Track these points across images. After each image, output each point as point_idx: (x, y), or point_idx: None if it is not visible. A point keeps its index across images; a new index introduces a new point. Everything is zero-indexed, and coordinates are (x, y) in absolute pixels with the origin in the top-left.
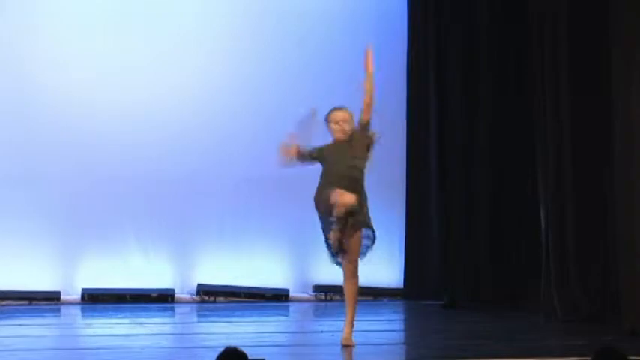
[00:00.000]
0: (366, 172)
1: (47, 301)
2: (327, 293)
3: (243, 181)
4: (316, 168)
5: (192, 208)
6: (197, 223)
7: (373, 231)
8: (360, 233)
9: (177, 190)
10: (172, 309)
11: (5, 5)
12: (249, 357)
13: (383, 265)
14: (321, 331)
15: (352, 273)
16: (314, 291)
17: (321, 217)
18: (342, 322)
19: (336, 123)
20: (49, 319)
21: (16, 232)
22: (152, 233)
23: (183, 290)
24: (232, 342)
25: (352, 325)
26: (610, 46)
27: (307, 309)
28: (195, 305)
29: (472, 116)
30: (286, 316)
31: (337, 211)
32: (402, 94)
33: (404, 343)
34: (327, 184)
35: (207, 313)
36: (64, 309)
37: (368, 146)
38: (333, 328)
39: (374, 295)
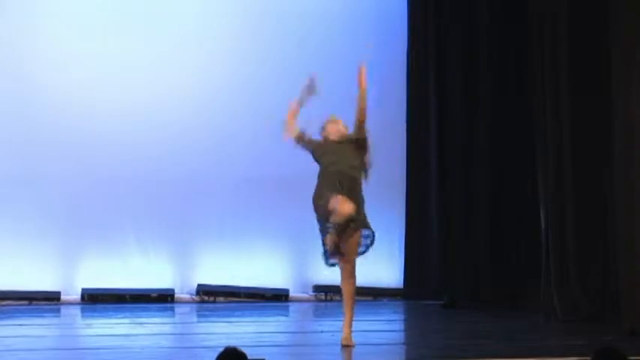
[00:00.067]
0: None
1: (47, 301)
2: (327, 293)
3: (243, 181)
4: (316, 168)
5: (192, 208)
6: (197, 223)
7: (373, 231)
8: (359, 234)
9: (177, 190)
10: (172, 309)
11: (5, 5)
12: (249, 357)
13: (383, 265)
14: (321, 331)
15: (350, 273)
16: (314, 291)
17: (319, 220)
18: (342, 323)
19: (331, 129)
20: (49, 320)
21: (16, 232)
22: (152, 233)
23: (183, 290)
24: (232, 342)
25: (351, 325)
26: (610, 46)
27: (307, 309)
28: (195, 305)
29: (472, 116)
30: (286, 316)
31: (336, 219)
32: (402, 94)
33: (404, 343)
34: (326, 183)
35: (207, 313)
36: (64, 309)
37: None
38: (333, 328)
39: (374, 295)
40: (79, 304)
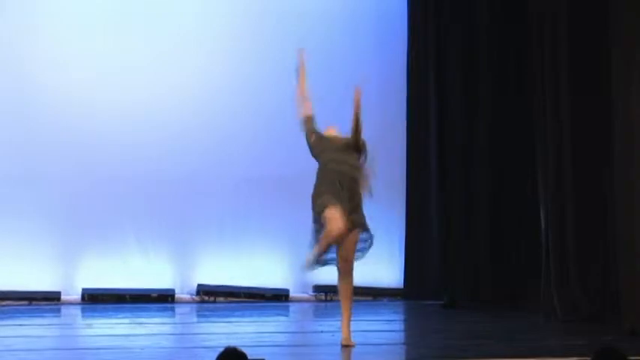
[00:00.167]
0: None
1: (47, 301)
2: (327, 293)
3: (243, 181)
4: (316, 167)
5: (192, 208)
6: (197, 223)
7: (371, 234)
8: (357, 232)
9: (177, 190)
10: (172, 309)
11: (5, 5)
12: (249, 357)
13: (383, 265)
14: (321, 331)
15: (348, 272)
16: (314, 291)
17: (314, 219)
18: (340, 323)
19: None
20: (49, 320)
21: (16, 232)
22: (152, 233)
23: (184, 290)
24: (232, 342)
25: (350, 325)
26: (610, 46)
27: (307, 309)
28: (195, 305)
29: (472, 116)
30: (286, 316)
31: (326, 234)
32: (402, 94)
33: (404, 343)
34: (326, 182)
35: (207, 313)
36: (64, 309)
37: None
38: (333, 328)
39: (374, 295)
40: (79, 304)
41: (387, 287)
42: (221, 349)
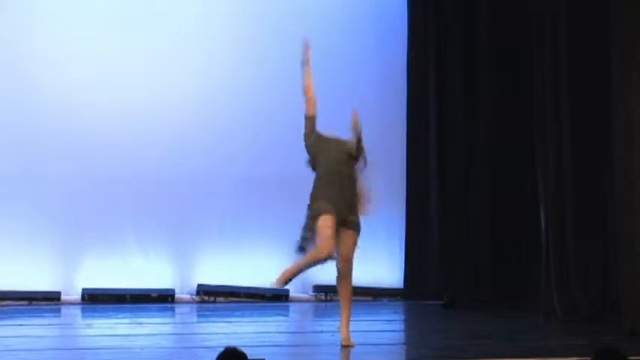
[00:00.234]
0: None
1: (47, 301)
2: (327, 293)
3: (243, 181)
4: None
5: (192, 208)
6: (197, 223)
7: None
8: (356, 235)
9: (178, 190)
10: (172, 309)
11: (5, 5)
12: (249, 357)
13: (383, 265)
14: (321, 332)
15: (347, 272)
16: (314, 291)
17: (307, 218)
18: (339, 323)
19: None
20: (49, 320)
21: (16, 232)
22: (152, 233)
23: (184, 290)
24: (232, 342)
25: (349, 325)
26: (610, 46)
27: (307, 309)
28: (195, 305)
29: (472, 116)
30: (286, 316)
31: (315, 253)
32: (402, 94)
33: (404, 343)
34: (327, 186)
35: (207, 313)
36: (64, 309)
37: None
38: (333, 328)
39: (374, 295)
40: (79, 304)
41: (387, 287)
42: (221, 349)
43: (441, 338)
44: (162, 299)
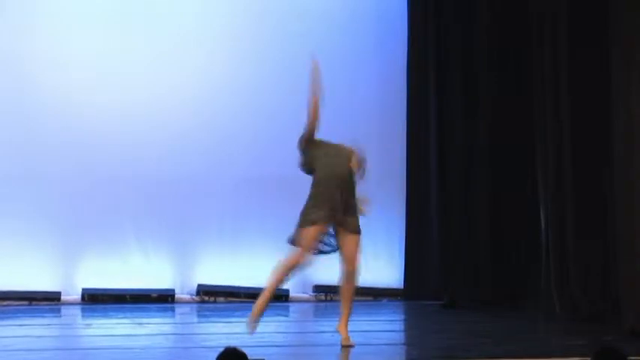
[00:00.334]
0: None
1: (47, 301)
2: (327, 293)
3: (243, 181)
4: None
5: (192, 209)
6: (197, 224)
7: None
8: (358, 238)
9: (178, 190)
10: (172, 309)
11: (5, 5)
12: (249, 357)
13: (383, 265)
14: (323, 332)
15: (352, 276)
16: (314, 291)
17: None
18: (337, 324)
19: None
20: (49, 320)
21: (16, 232)
22: (152, 233)
23: (184, 290)
24: (232, 342)
25: (348, 326)
26: (610, 46)
27: (307, 309)
28: (195, 305)
29: (472, 116)
30: (286, 316)
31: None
32: (402, 94)
33: (404, 343)
34: (322, 190)
35: (207, 313)
36: (64, 309)
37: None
38: (333, 328)
39: (374, 295)
40: (79, 304)
41: (387, 287)
42: (221, 349)
43: (441, 338)
44: (162, 299)
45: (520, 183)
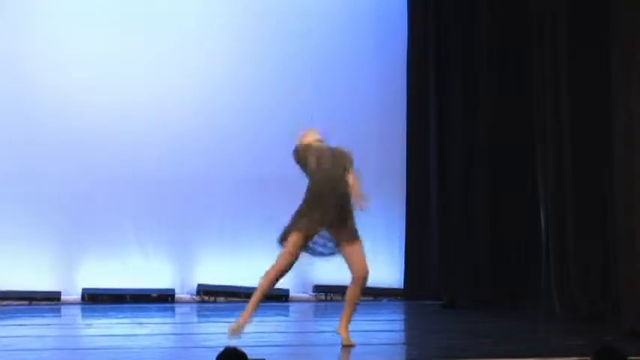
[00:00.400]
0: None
1: (47, 301)
2: (327, 293)
3: (243, 181)
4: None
5: (192, 209)
6: (197, 224)
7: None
8: (359, 243)
9: (177, 190)
10: (172, 309)
11: (5, 5)
12: (249, 357)
13: (383, 265)
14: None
15: (361, 280)
16: (314, 291)
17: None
18: (338, 324)
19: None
20: (49, 320)
21: (16, 232)
22: (152, 233)
23: (184, 290)
24: (232, 342)
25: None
26: (610, 46)
27: (307, 309)
28: (195, 305)
29: (472, 116)
30: (286, 316)
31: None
32: (402, 94)
33: (404, 343)
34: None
35: (207, 313)
36: (64, 309)
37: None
38: (333, 328)
39: (374, 295)
40: (79, 304)
41: (387, 287)
42: (221, 349)
43: (441, 338)
44: (162, 299)
45: (520, 183)
